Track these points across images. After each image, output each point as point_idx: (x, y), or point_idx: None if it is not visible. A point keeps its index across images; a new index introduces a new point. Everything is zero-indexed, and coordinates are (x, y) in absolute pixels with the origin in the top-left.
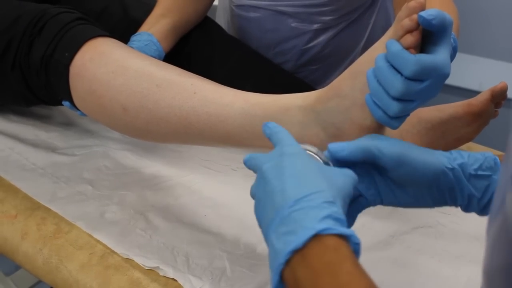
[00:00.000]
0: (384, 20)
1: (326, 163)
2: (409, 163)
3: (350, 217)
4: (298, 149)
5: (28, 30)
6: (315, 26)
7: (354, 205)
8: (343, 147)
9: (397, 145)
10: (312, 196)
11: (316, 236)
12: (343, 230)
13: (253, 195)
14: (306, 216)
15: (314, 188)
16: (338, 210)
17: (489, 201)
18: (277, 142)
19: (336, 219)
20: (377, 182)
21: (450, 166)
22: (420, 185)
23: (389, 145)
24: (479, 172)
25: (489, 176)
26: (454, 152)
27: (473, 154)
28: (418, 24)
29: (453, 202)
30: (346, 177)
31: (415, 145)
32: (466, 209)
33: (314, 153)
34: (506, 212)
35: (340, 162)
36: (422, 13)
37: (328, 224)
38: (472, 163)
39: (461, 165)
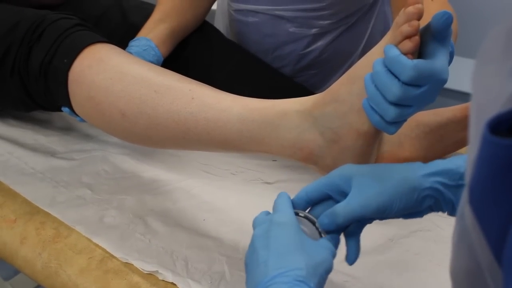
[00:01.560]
0: (383, 25)
1: (315, 227)
2: (389, 210)
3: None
4: (288, 218)
5: (27, 36)
6: (313, 30)
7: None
8: (330, 225)
9: (373, 197)
10: (287, 273)
11: None
12: None
13: (245, 263)
14: None
15: (291, 265)
16: (308, 286)
17: None
18: (274, 207)
19: None
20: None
21: (427, 186)
22: (407, 211)
23: (364, 205)
24: (460, 182)
25: None
26: (433, 165)
27: (455, 161)
28: (417, 30)
29: (440, 210)
30: (325, 250)
31: (391, 173)
32: (451, 214)
33: (308, 219)
34: (464, 223)
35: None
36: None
37: None
38: (454, 174)
39: (440, 183)
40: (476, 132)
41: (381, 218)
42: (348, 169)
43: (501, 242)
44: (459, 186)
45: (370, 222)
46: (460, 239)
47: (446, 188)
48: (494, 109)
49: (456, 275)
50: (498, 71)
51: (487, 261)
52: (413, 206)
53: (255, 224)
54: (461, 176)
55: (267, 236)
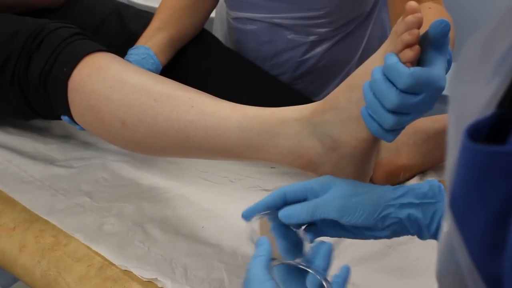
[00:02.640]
0: (380, 32)
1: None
2: (351, 215)
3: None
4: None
5: (26, 45)
6: (311, 38)
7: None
8: (291, 218)
9: (338, 199)
10: None
11: None
12: None
13: None
14: None
15: None
16: None
17: (438, 226)
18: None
19: None
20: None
21: (391, 203)
22: (370, 223)
23: (327, 204)
24: (425, 200)
25: (434, 203)
26: (401, 188)
27: (419, 185)
28: (417, 39)
29: (407, 233)
30: None
31: (363, 186)
32: (420, 236)
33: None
34: (448, 237)
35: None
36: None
37: None
38: (418, 193)
39: (405, 203)
40: (455, 138)
41: (345, 224)
42: (327, 178)
43: (480, 246)
44: (426, 204)
45: (340, 236)
46: (445, 243)
47: (411, 206)
48: (472, 116)
49: (442, 277)
50: (475, 79)
51: (466, 266)
52: (376, 221)
53: None
54: (424, 194)
55: None
